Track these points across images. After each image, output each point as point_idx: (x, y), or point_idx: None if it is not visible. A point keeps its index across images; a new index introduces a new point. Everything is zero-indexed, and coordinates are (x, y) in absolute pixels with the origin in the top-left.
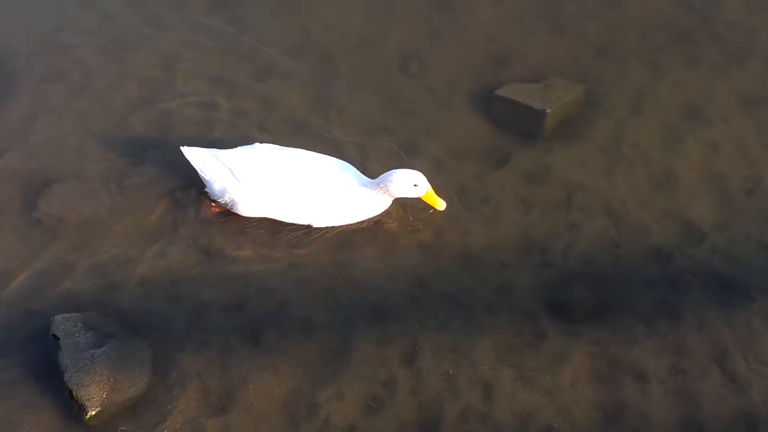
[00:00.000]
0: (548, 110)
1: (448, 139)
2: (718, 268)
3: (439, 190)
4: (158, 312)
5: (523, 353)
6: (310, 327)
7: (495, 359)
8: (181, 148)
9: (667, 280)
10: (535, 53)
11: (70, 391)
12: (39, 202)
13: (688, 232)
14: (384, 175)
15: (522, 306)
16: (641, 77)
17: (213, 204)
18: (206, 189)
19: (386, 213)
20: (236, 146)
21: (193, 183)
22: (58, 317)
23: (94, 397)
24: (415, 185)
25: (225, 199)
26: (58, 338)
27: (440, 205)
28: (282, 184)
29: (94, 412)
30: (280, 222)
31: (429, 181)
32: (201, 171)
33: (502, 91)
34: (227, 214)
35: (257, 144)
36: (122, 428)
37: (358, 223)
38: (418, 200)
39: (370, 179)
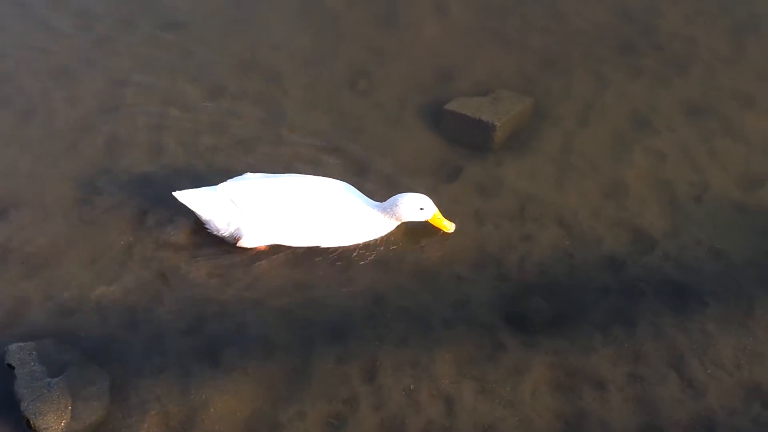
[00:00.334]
0: (497, 123)
1: (399, 155)
2: (670, 275)
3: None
4: (115, 337)
5: (483, 366)
6: (270, 347)
7: (455, 373)
8: (174, 193)
9: (622, 288)
10: (481, 67)
11: (28, 421)
12: None
13: (639, 240)
14: (391, 199)
15: (480, 319)
16: (587, 88)
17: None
18: (207, 227)
19: None
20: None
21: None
22: (13, 346)
23: (52, 426)
24: (421, 209)
25: (230, 232)
26: (13, 368)
27: (449, 227)
28: (289, 209)
29: None
30: (236, 241)
31: (386, 198)
32: (198, 212)
33: (450, 106)
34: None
35: (248, 174)
36: None
37: (363, 242)
38: (425, 223)
39: (376, 202)
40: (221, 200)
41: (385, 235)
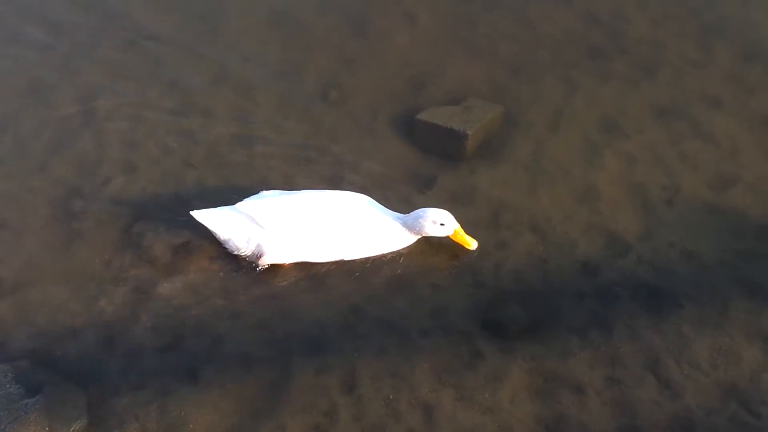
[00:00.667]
0: (469, 131)
1: (372, 165)
2: (644, 278)
3: None
4: (92, 356)
5: (461, 373)
6: (248, 362)
7: (434, 381)
8: (191, 213)
9: (597, 292)
10: (452, 75)
11: None
12: None
13: (613, 244)
14: (414, 212)
15: (457, 327)
16: (557, 94)
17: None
18: (226, 246)
19: None
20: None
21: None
22: None
23: None
24: (441, 224)
25: (251, 250)
26: None
27: (471, 244)
28: (312, 225)
29: None
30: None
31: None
32: (216, 232)
33: (422, 115)
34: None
35: (264, 192)
36: None
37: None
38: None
39: (399, 214)
40: (240, 218)
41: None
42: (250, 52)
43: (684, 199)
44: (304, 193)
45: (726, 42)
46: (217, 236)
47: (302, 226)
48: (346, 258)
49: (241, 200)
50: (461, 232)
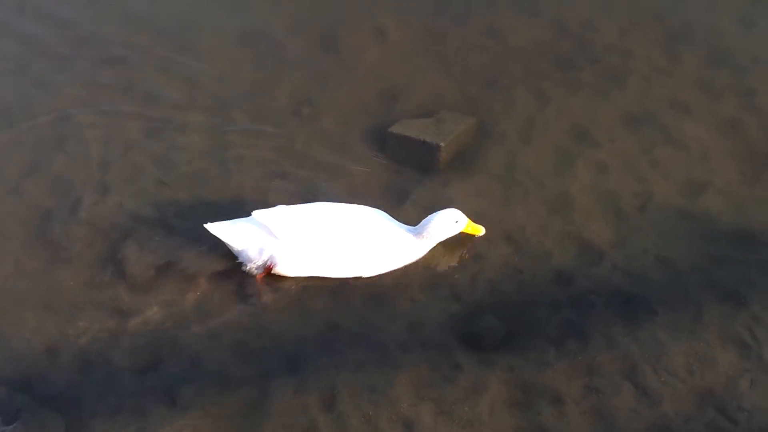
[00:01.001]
0: (442, 144)
1: (346, 180)
2: (619, 285)
3: None
4: (69, 381)
5: (440, 387)
6: (226, 382)
7: (413, 396)
8: (206, 226)
9: (572, 301)
10: (423, 88)
11: None
12: None
13: (587, 252)
14: (424, 221)
15: (435, 340)
16: (528, 105)
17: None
18: (240, 260)
19: None
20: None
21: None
22: None
23: None
24: (456, 222)
25: (263, 259)
26: None
27: (481, 230)
28: (329, 238)
29: None
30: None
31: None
32: (231, 244)
33: (395, 128)
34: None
35: (281, 206)
36: None
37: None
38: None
39: (410, 227)
40: (255, 229)
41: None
42: (223, 69)
43: (656, 206)
44: (320, 206)
45: (692, 48)
46: (231, 248)
47: (318, 239)
48: (363, 275)
49: (246, 213)
50: (471, 222)
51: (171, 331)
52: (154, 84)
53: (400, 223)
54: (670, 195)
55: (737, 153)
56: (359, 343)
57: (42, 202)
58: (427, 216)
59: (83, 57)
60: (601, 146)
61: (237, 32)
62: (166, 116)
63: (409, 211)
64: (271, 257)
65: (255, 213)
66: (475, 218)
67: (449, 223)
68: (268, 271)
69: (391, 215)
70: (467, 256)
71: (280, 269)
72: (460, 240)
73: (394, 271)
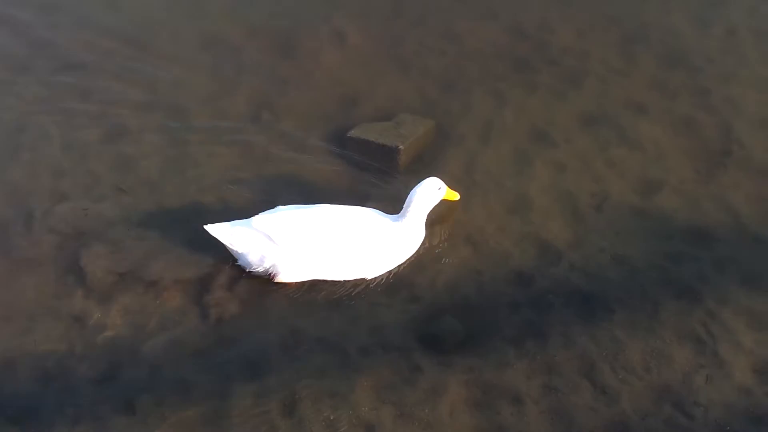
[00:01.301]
0: (401, 146)
1: (306, 184)
2: (577, 285)
3: None
4: (26, 392)
5: (401, 390)
6: (186, 389)
7: (374, 399)
8: (205, 227)
9: (531, 301)
10: (382, 92)
11: None
12: None
13: (545, 253)
14: (408, 198)
15: (395, 343)
16: (486, 107)
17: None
18: (239, 263)
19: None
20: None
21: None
22: None
23: None
24: (439, 188)
25: (264, 268)
26: None
27: (457, 195)
28: (329, 242)
29: None
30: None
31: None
32: (231, 245)
33: (354, 132)
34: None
35: (279, 207)
36: None
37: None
38: None
39: (398, 215)
40: (255, 234)
41: None
42: (182, 74)
43: (612, 205)
44: (319, 209)
45: (648, 49)
46: (231, 251)
47: (318, 244)
48: (370, 276)
49: (244, 217)
50: (449, 189)
51: (130, 339)
52: (112, 90)
53: (391, 216)
54: (626, 194)
55: (692, 152)
56: (320, 347)
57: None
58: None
59: (38, 67)
60: (559, 147)
61: (195, 37)
62: (125, 122)
63: None
64: (273, 267)
65: (254, 220)
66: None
67: (433, 190)
68: (270, 278)
69: None
70: (427, 257)
71: (282, 278)
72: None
73: (354, 273)
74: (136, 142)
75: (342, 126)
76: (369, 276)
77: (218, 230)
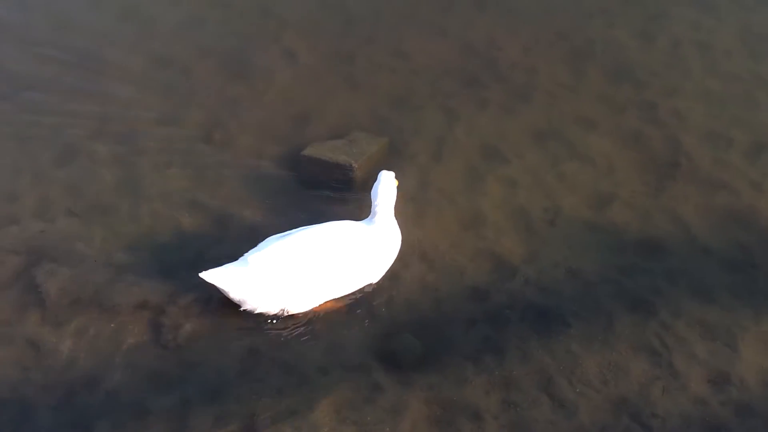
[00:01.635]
0: (355, 164)
1: (260, 205)
2: (532, 299)
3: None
4: None
5: (361, 408)
6: (144, 414)
7: (335, 418)
8: (201, 275)
9: (488, 316)
10: (334, 110)
11: None
12: None
13: (500, 268)
14: (372, 198)
15: (354, 362)
16: (437, 124)
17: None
18: (244, 308)
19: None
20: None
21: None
22: None
23: None
24: (395, 179)
25: (274, 312)
26: None
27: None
28: (331, 263)
29: None
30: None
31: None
32: (230, 293)
33: (308, 151)
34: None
35: (270, 238)
36: None
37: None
38: None
39: (368, 219)
40: (253, 275)
41: None
42: (132, 97)
43: (565, 219)
44: (301, 235)
45: (595, 63)
46: (230, 297)
47: (319, 271)
48: (375, 281)
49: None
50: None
51: (86, 363)
52: (62, 113)
53: (361, 222)
54: (578, 208)
55: (641, 165)
56: (278, 368)
57: None
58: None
59: None
60: (510, 162)
61: (144, 59)
62: (75, 145)
63: None
64: (283, 309)
65: (250, 258)
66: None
67: (391, 182)
68: (283, 315)
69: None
70: (383, 276)
71: (292, 311)
72: None
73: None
74: (88, 165)
75: (295, 145)
76: (374, 281)
77: (214, 277)
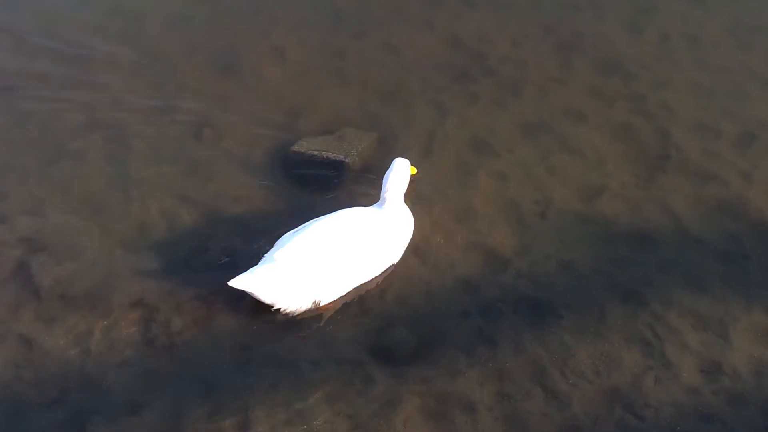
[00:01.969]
0: (345, 160)
1: (251, 201)
2: (524, 292)
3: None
4: None
5: (355, 402)
6: (138, 410)
7: (328, 412)
8: (230, 283)
9: (480, 309)
10: (324, 106)
11: None
12: None
13: (492, 261)
14: (384, 183)
15: (347, 356)
16: (427, 118)
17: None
18: (277, 309)
19: None
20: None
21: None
22: None
23: None
24: (409, 166)
25: (307, 306)
26: None
27: (415, 170)
28: (354, 249)
29: None
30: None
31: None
32: (263, 298)
33: (297, 147)
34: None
35: (285, 235)
36: None
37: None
38: None
39: (377, 204)
40: (283, 273)
41: None
42: (120, 95)
43: (556, 212)
44: (320, 225)
45: (583, 57)
46: (262, 301)
47: (341, 260)
48: (396, 261)
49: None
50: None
51: (79, 360)
52: (48, 115)
53: (375, 206)
54: (568, 201)
55: (631, 157)
56: (271, 362)
57: None
58: None
59: None
60: (501, 156)
61: (133, 57)
62: (64, 143)
63: None
64: (315, 302)
65: (276, 255)
66: None
67: (405, 169)
68: (314, 307)
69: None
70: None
71: (324, 302)
72: None
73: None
74: (77, 163)
75: (285, 141)
76: (395, 261)
77: (245, 283)
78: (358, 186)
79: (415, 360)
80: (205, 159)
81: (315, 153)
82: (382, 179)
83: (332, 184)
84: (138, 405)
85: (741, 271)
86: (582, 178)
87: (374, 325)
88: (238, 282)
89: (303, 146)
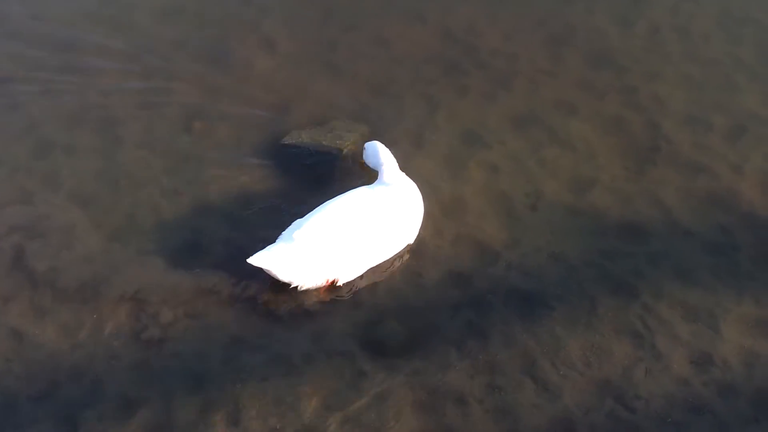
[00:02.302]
0: (336, 152)
1: (242, 195)
2: (515, 284)
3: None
4: None
5: (346, 396)
6: (128, 404)
7: (320, 406)
8: (249, 260)
9: (471, 302)
10: (315, 98)
11: None
12: None
13: (483, 253)
14: (373, 162)
15: (338, 349)
16: (418, 110)
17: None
18: (295, 286)
19: None
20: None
21: None
22: None
23: None
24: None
25: (321, 281)
26: None
27: None
28: (371, 226)
29: None
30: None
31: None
32: (280, 276)
33: (288, 139)
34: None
35: (296, 221)
36: None
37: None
38: None
39: (377, 181)
40: (302, 252)
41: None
42: (110, 86)
43: (546, 204)
44: (333, 206)
45: (574, 49)
46: (279, 278)
47: (358, 239)
48: (412, 240)
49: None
50: None
51: (69, 354)
52: (38, 106)
53: (378, 183)
54: (559, 193)
55: (622, 149)
56: (262, 356)
57: None
58: None
59: None
60: (492, 148)
61: (122, 48)
62: (52, 137)
63: None
64: (333, 281)
65: (295, 235)
66: None
67: (381, 145)
68: (329, 285)
69: (288, 224)
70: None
71: (340, 280)
72: None
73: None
74: (66, 157)
75: (276, 133)
76: (411, 240)
77: (263, 260)
78: (348, 177)
79: (406, 353)
80: (196, 150)
81: (306, 145)
82: (367, 164)
83: (323, 175)
84: (128, 398)
85: (731, 263)
86: (573, 170)
87: (365, 318)
88: (256, 259)
89: (294, 138)
